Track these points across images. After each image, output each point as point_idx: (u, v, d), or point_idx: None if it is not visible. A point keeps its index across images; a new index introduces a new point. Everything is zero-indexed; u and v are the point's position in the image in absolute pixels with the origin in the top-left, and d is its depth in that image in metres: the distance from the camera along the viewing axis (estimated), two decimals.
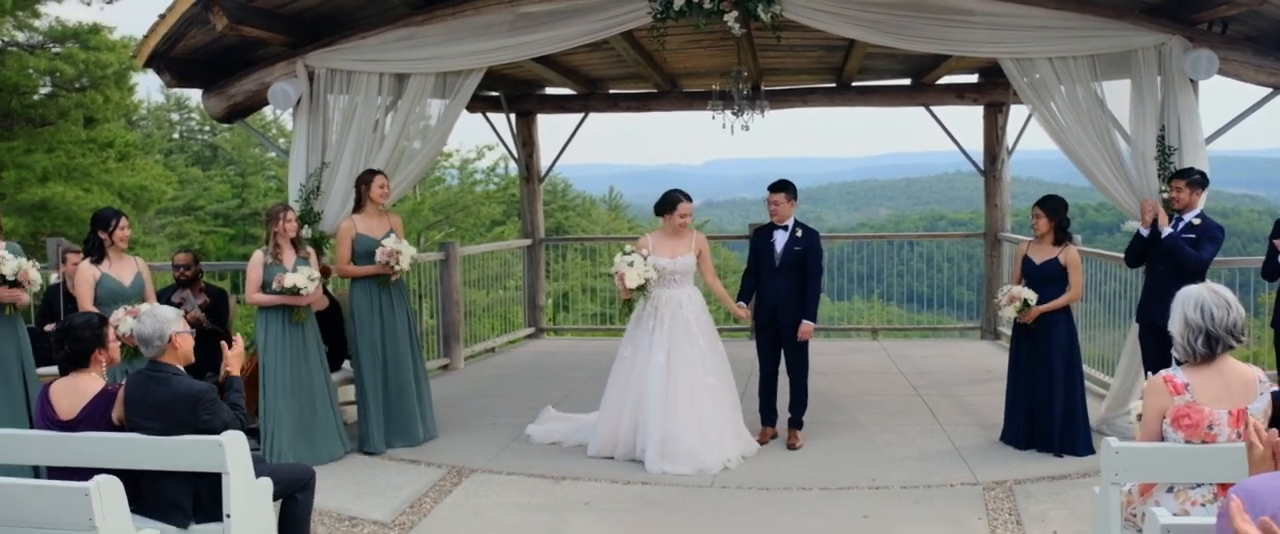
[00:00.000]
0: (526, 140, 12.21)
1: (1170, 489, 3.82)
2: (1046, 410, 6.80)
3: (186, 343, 4.41)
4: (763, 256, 7.16)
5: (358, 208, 7.18)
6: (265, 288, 6.71)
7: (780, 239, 7.10)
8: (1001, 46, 7.04)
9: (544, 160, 12.49)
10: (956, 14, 6.91)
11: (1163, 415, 3.75)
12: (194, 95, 19.77)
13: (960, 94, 11.39)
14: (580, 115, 12.13)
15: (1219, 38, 6.94)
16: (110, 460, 4.05)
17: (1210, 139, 6.98)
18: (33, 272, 6.18)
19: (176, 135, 31.41)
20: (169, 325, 4.31)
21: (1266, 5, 6.35)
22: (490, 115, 11.81)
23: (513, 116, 11.96)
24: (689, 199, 7.06)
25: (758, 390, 7.38)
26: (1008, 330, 9.37)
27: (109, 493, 3.53)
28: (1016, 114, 11.18)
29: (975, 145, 11.85)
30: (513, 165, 29.47)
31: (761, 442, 7.14)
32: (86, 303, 6.31)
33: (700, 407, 6.73)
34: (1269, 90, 7.08)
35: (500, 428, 7.75)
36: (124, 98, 14.98)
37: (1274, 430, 3.13)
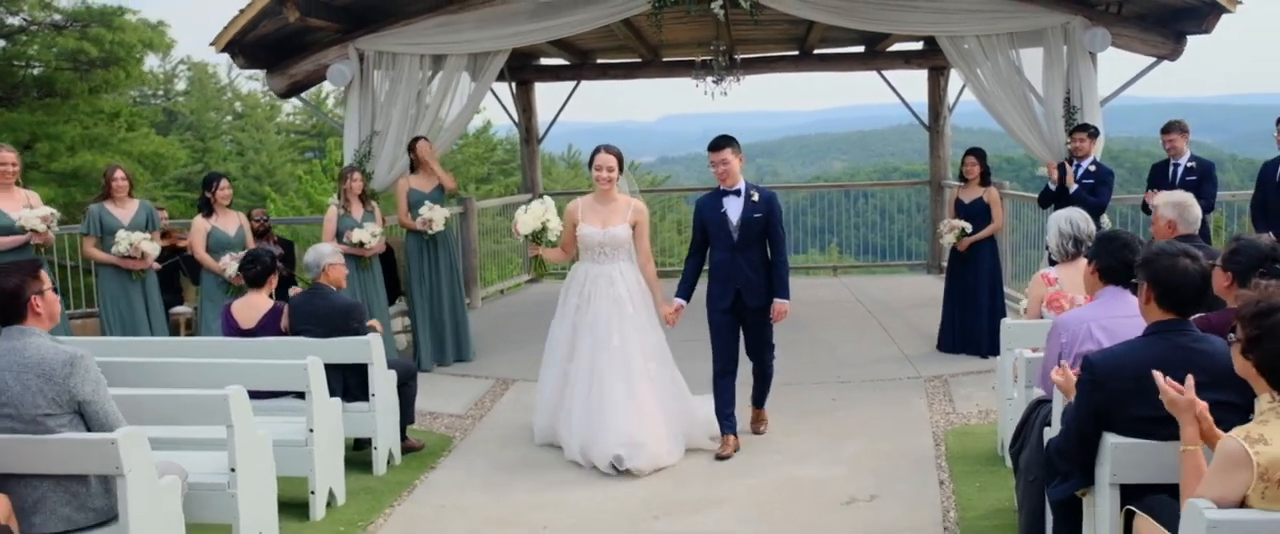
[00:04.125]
0: (526, 106, 13.65)
1: None
2: (975, 321, 8.47)
3: (338, 271, 5.90)
4: (714, 231, 6.07)
5: (414, 168, 8.62)
6: (338, 238, 8.15)
7: (734, 207, 6.04)
8: (937, 26, 8.61)
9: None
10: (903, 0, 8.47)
11: (1042, 302, 5.38)
12: (149, 60, 20.66)
13: (907, 60, 13.00)
14: (573, 82, 13.58)
15: (1114, 16, 8.54)
16: (285, 358, 5.52)
17: (1105, 100, 8.65)
18: (145, 245, 7.47)
19: (130, 102, 31.96)
20: (324, 258, 5.82)
21: None
22: (493, 84, 13.18)
23: (513, 85, 13.37)
24: (610, 151, 6.16)
25: (713, 387, 6.22)
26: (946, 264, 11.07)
27: (316, 368, 5.06)
28: (956, 76, 12.68)
29: (922, 100, 13.46)
30: (497, 130, 30.73)
31: (723, 455, 6.06)
32: (200, 251, 7.73)
33: (644, 397, 5.99)
34: (1154, 59, 8.74)
35: (526, 351, 9.24)
36: (138, 71, 16.12)
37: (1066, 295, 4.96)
